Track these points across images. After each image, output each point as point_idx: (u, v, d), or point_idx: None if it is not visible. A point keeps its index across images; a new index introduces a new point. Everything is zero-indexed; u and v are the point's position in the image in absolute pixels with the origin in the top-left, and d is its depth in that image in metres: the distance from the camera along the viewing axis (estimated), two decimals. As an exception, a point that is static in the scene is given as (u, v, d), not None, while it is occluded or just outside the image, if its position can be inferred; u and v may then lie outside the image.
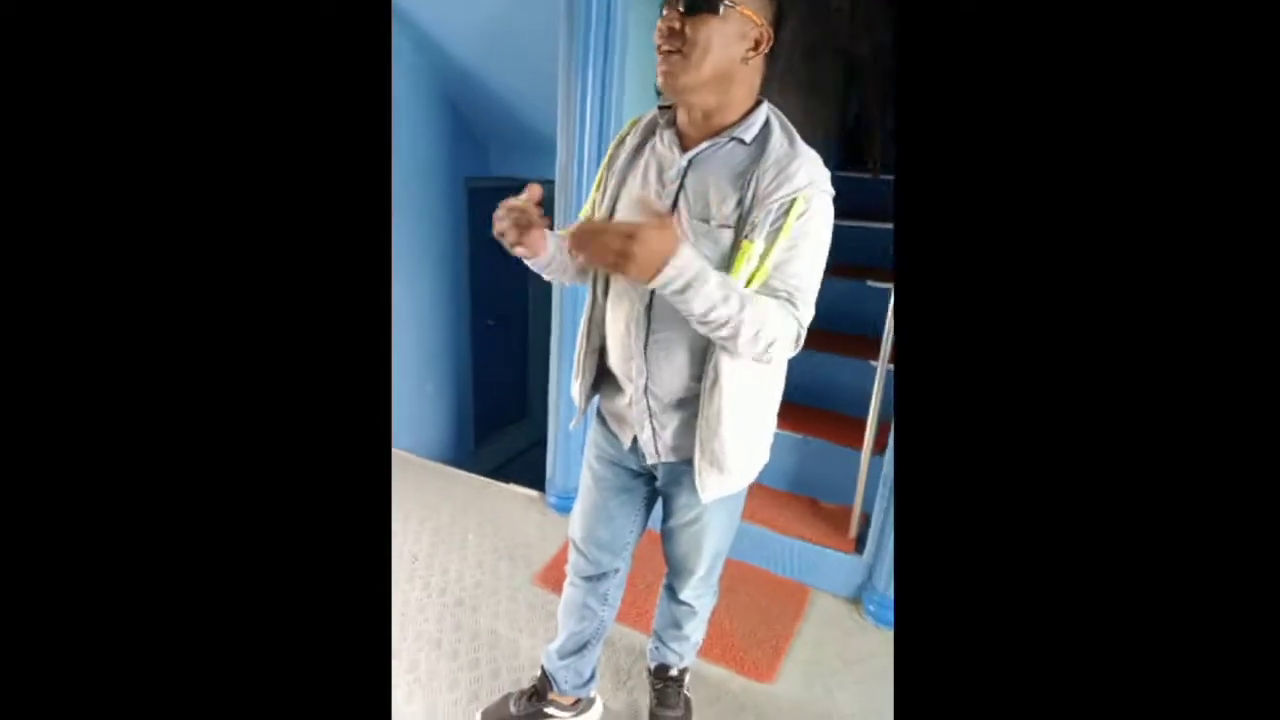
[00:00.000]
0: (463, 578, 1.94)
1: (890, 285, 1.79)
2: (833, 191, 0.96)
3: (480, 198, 3.37)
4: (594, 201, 1.10)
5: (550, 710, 1.44)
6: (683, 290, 0.86)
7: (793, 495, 2.16)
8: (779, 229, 0.92)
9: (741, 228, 0.94)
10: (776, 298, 0.95)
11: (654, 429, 1.10)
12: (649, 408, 1.09)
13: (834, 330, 2.31)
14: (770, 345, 0.94)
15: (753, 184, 0.93)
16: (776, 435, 2.15)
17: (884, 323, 1.80)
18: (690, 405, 1.07)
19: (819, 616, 1.87)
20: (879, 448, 1.90)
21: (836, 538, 1.97)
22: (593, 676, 1.44)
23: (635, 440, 1.14)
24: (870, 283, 2.26)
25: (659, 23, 0.91)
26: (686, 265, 0.85)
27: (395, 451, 2.68)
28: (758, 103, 0.98)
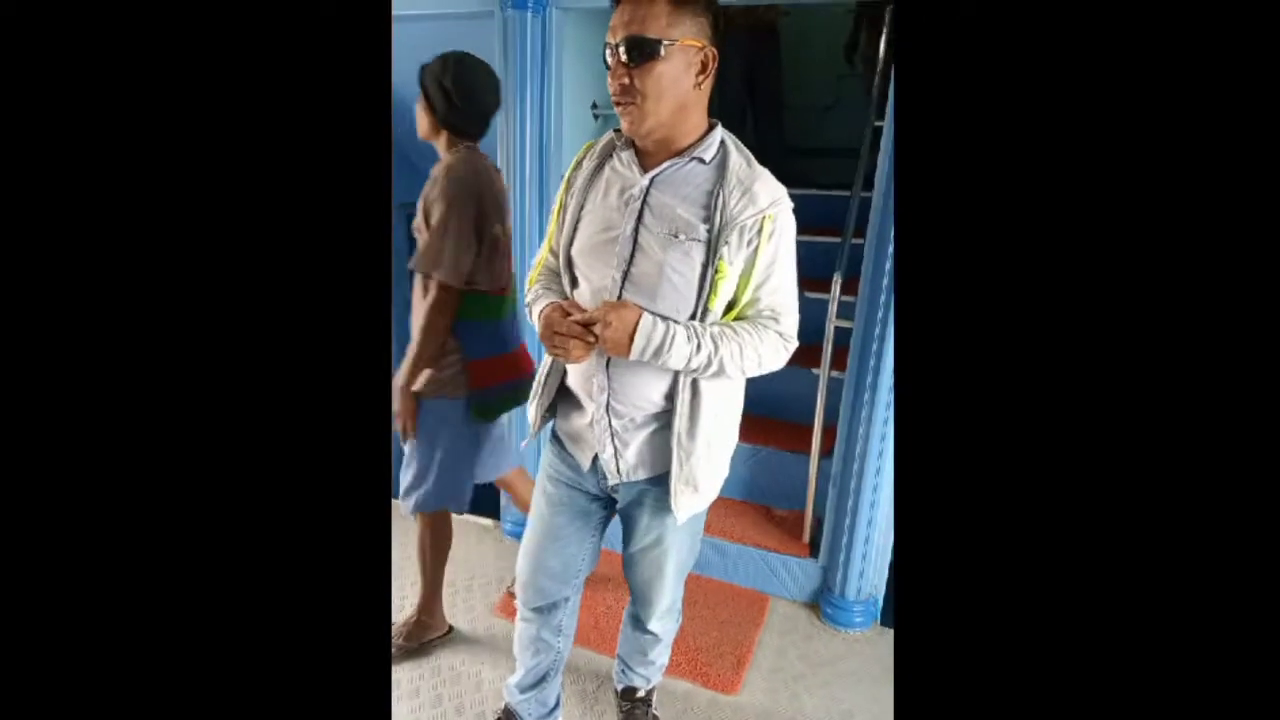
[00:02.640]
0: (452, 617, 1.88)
1: (828, 296, 1.85)
2: (791, 203, 1.01)
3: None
4: (552, 234, 1.11)
5: None
6: (656, 354, 0.97)
7: (747, 504, 2.19)
8: (755, 249, 0.97)
9: (714, 246, 0.97)
10: (761, 318, 1.02)
11: (616, 448, 1.10)
12: (610, 426, 1.09)
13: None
14: (761, 365, 1.02)
15: (719, 204, 0.97)
16: (728, 446, 2.16)
17: (825, 330, 1.86)
18: (655, 423, 1.08)
19: (779, 623, 1.89)
20: (826, 451, 1.95)
21: (791, 543, 2.01)
22: (557, 704, 1.41)
23: (595, 461, 1.13)
24: (808, 294, 2.33)
25: (609, 77, 0.95)
26: (653, 332, 0.96)
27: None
28: (712, 124, 1.02)
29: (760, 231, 0.97)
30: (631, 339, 0.96)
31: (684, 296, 1.00)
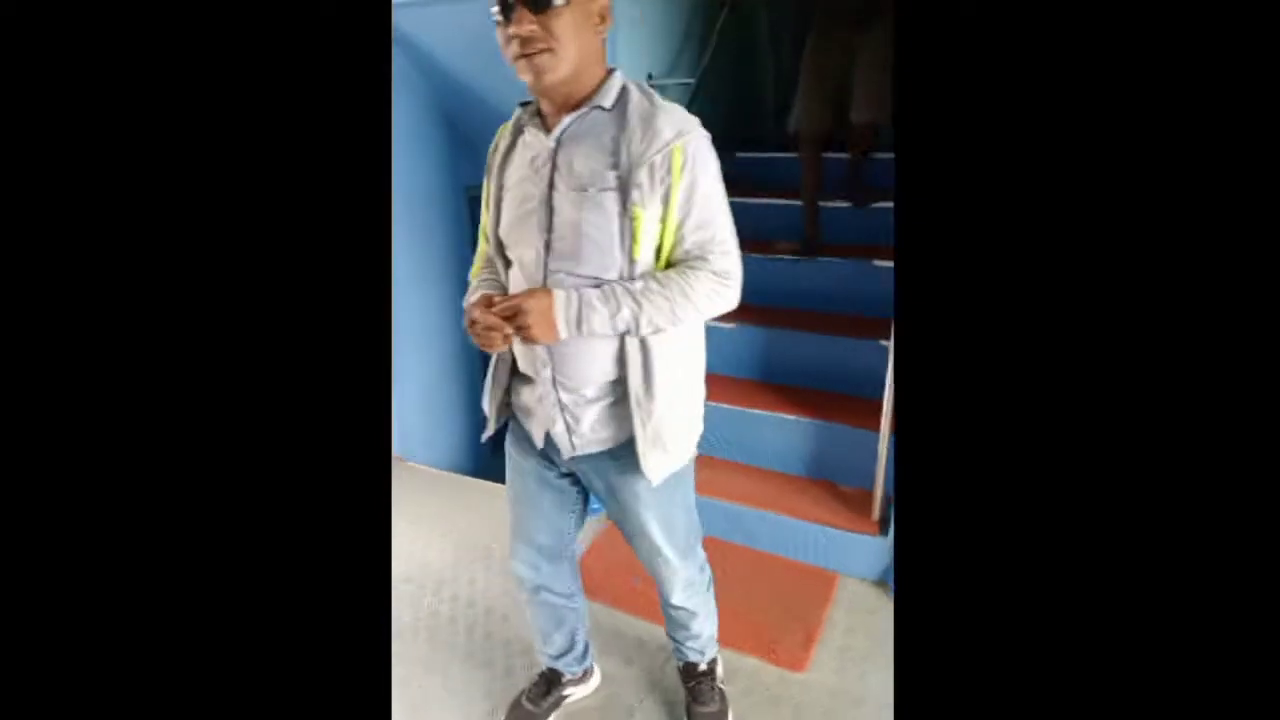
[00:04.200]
0: (490, 587, 1.94)
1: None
2: (707, 133, 0.95)
3: (479, 205, 3.37)
4: (484, 222, 1.11)
5: (566, 692, 1.49)
6: (579, 327, 0.95)
7: (811, 480, 2.15)
8: (669, 187, 0.92)
9: (627, 193, 0.92)
10: (690, 260, 0.98)
11: (567, 423, 1.07)
12: (559, 400, 1.06)
13: (842, 312, 2.30)
14: (701, 312, 0.98)
15: (625, 147, 0.93)
16: (792, 421, 2.14)
17: (892, 302, 1.79)
18: (610, 394, 1.05)
19: (847, 601, 1.86)
20: (896, 427, 1.88)
21: (860, 521, 1.96)
22: (587, 648, 1.47)
23: (548, 436, 1.11)
24: (876, 262, 2.25)
25: (507, 31, 0.90)
26: (568, 308, 0.95)
27: (412, 465, 2.69)
28: (610, 71, 0.99)
29: (671, 167, 0.92)
30: (555, 324, 0.94)
31: (606, 253, 0.96)
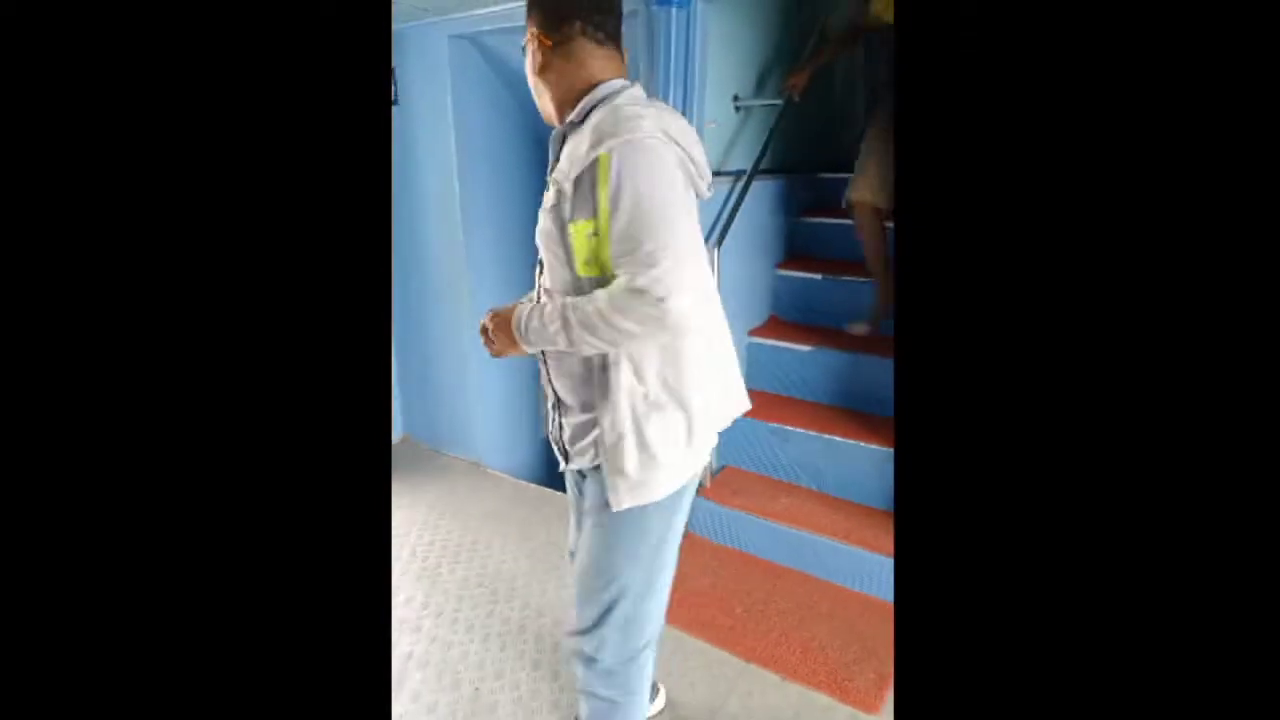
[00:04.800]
0: (561, 599, 1.95)
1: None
2: (644, 134, 0.86)
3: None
4: None
5: None
6: (531, 341, 0.98)
7: (888, 513, 2.07)
8: (597, 201, 0.87)
9: (561, 211, 0.92)
10: (620, 274, 0.87)
11: (560, 434, 1.09)
12: (550, 411, 1.10)
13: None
14: (622, 331, 0.87)
15: (566, 159, 0.92)
16: (870, 450, 2.06)
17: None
18: (586, 409, 1.03)
19: (927, 643, 1.77)
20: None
21: (942, 559, 1.87)
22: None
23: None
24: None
25: None
26: (519, 324, 0.98)
27: (492, 473, 2.76)
28: (593, 86, 0.97)
29: (596, 177, 0.86)
30: (512, 336, 1.00)
31: (558, 268, 0.96)
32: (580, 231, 0.90)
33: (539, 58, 1.00)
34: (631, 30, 1.89)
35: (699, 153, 0.98)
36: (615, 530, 1.05)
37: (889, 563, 1.88)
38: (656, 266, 0.84)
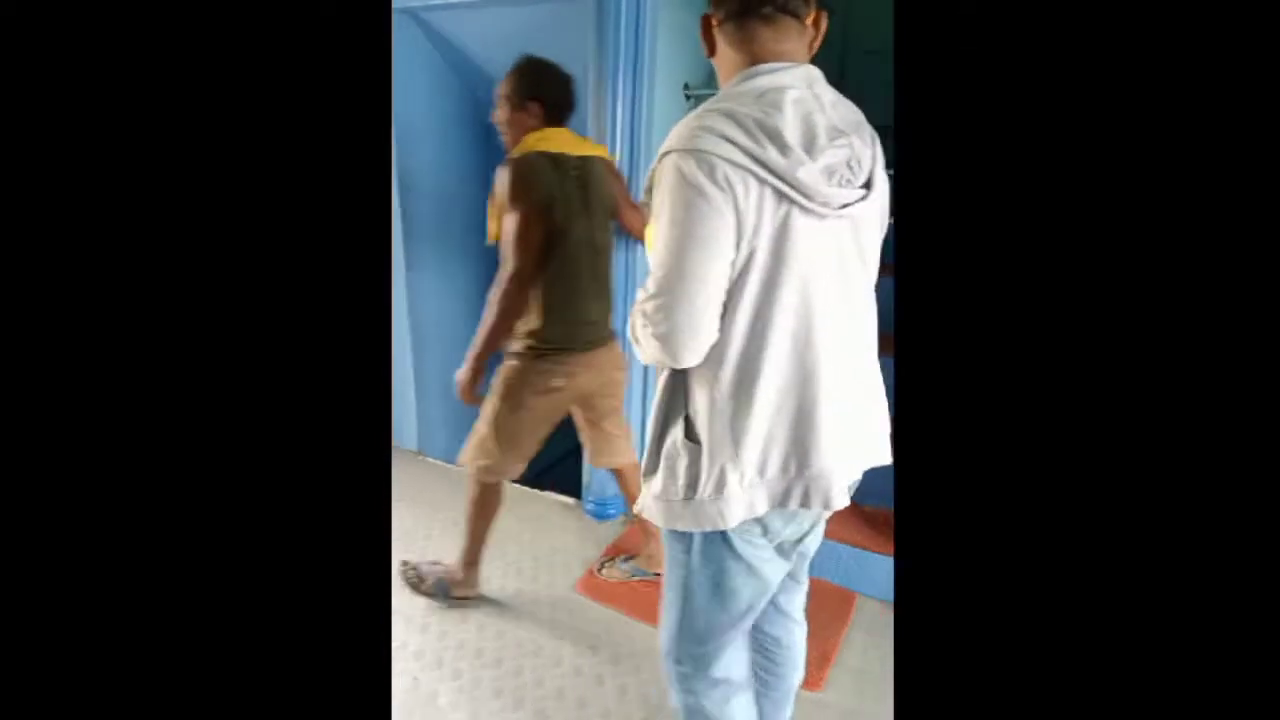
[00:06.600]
0: (504, 586, 1.94)
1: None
2: (698, 146, 0.78)
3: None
4: None
5: None
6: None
7: (833, 499, 2.13)
8: (654, 208, 0.84)
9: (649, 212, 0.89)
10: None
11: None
12: None
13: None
14: (643, 345, 0.87)
15: None
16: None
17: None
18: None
19: (865, 622, 1.83)
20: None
21: (880, 541, 1.93)
22: None
23: None
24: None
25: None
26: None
27: (432, 461, 2.70)
28: (743, 69, 0.87)
29: (655, 183, 0.83)
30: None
31: None
32: (648, 234, 0.87)
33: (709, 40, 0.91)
34: (580, 16, 1.87)
35: (799, 160, 0.79)
36: (685, 557, 0.98)
37: (833, 546, 1.93)
38: (655, 290, 0.82)
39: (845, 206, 0.84)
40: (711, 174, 0.77)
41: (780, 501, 0.91)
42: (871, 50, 2.92)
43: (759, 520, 0.92)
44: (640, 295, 0.85)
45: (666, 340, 0.82)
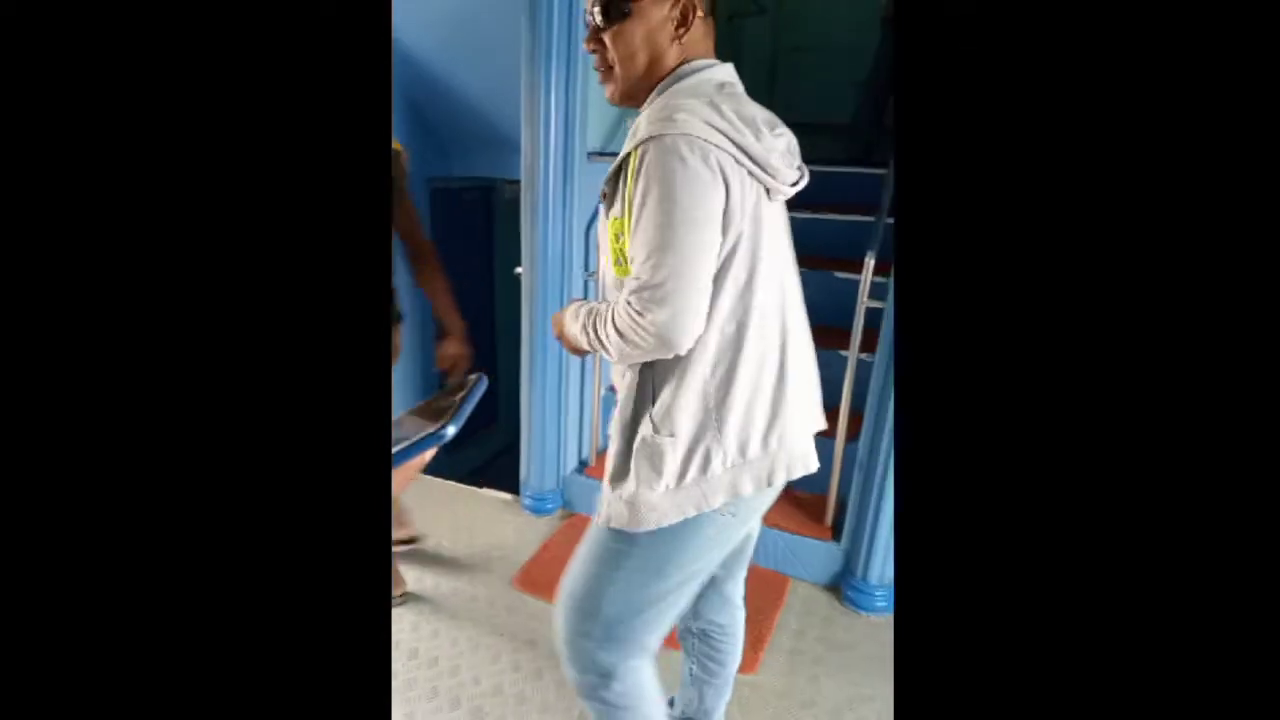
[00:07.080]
0: (439, 584, 1.90)
1: (859, 276, 1.81)
2: (677, 131, 0.78)
3: (443, 198, 3.31)
4: None
5: None
6: (571, 338, 0.95)
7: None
8: (626, 200, 0.82)
9: (610, 203, 0.87)
10: (626, 285, 0.84)
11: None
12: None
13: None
14: (616, 343, 0.85)
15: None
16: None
17: (854, 313, 1.82)
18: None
19: (799, 605, 1.88)
20: (851, 435, 1.92)
21: (813, 526, 1.99)
22: None
23: None
24: (838, 274, 2.29)
25: (585, 46, 0.91)
26: (563, 319, 0.97)
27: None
28: (673, 69, 0.89)
29: (628, 173, 0.81)
30: (563, 333, 0.98)
31: (606, 265, 0.92)
32: (611, 229, 0.85)
33: (671, 26, 0.86)
34: (512, 8, 1.84)
35: (770, 145, 0.84)
36: (612, 551, 0.99)
37: (768, 531, 1.98)
38: (646, 279, 0.80)
39: (793, 186, 0.91)
40: (705, 158, 0.78)
41: (767, 480, 0.95)
42: (799, 48, 2.99)
43: (738, 498, 0.94)
44: (622, 291, 0.83)
45: (667, 326, 0.79)
